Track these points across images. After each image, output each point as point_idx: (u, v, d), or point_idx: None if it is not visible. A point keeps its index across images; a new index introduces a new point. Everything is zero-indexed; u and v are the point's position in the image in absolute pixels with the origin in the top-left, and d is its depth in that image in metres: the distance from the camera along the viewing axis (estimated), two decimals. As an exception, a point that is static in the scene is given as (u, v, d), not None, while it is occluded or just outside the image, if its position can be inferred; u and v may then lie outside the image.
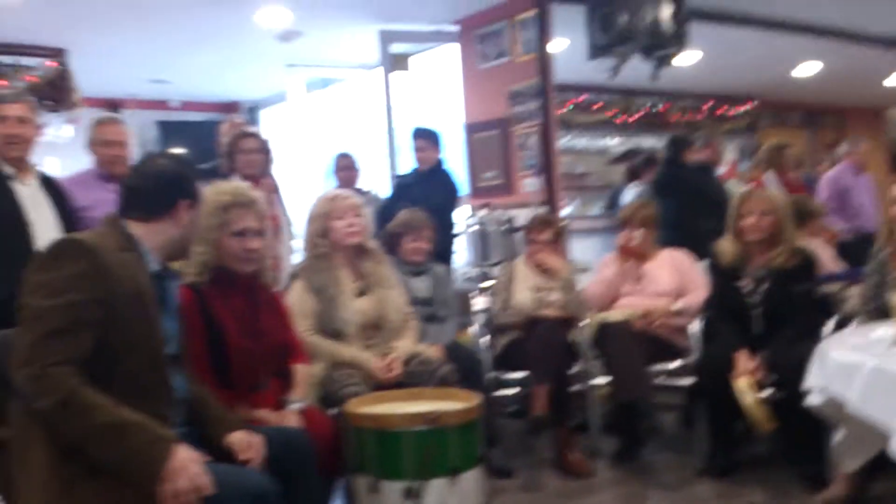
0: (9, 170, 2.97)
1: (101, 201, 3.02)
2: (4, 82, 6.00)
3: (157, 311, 1.91)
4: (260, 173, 3.94)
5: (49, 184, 3.14)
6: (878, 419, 2.33)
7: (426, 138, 4.77)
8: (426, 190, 4.58)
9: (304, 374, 2.66)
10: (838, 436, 2.74)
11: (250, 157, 3.88)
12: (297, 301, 2.98)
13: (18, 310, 1.75)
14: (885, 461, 2.43)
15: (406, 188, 4.78)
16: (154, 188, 1.96)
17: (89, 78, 6.54)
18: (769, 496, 3.15)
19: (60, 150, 6.10)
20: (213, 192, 2.38)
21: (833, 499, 2.89)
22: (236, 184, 2.53)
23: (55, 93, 6.33)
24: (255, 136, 4.02)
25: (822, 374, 2.62)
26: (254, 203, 2.44)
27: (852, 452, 2.73)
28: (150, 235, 1.94)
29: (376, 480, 2.35)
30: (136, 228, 1.93)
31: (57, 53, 6.35)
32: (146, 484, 1.70)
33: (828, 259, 4.04)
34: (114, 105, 8.19)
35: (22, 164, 3.04)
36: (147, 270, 1.91)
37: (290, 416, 2.42)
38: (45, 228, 2.96)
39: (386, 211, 4.61)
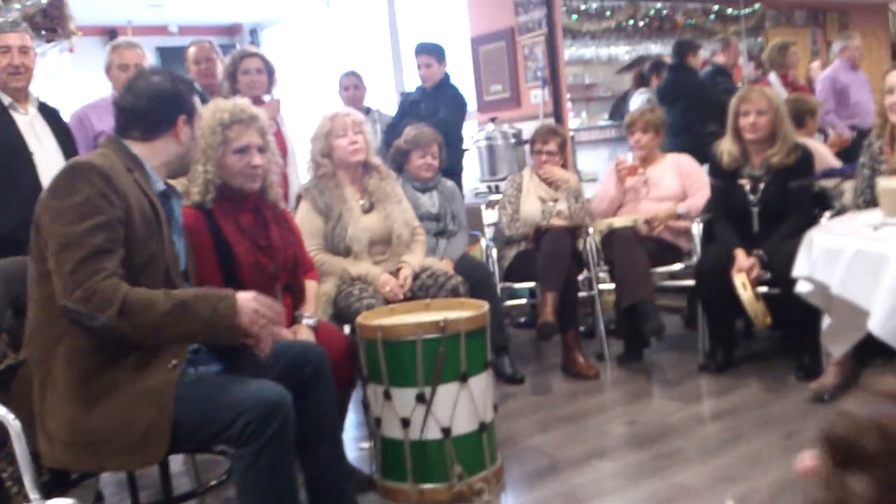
0: (7, 99, 2.96)
1: None
2: (-3, 11, 5.92)
3: (168, 229, 1.94)
4: (263, 94, 3.89)
5: (48, 113, 3.13)
6: (858, 300, 2.39)
7: (430, 53, 4.67)
8: (433, 106, 4.52)
9: (315, 290, 2.71)
10: (826, 322, 2.80)
11: (252, 78, 3.82)
12: (305, 221, 3.01)
13: (48, 237, 1.75)
14: (875, 346, 2.50)
15: (412, 105, 4.72)
16: (151, 106, 1.95)
17: (84, 5, 6.42)
18: (765, 387, 3.27)
19: (58, 80, 6.07)
20: (212, 109, 2.37)
21: (825, 387, 2.99)
22: (236, 100, 2.50)
23: (50, 22, 6.23)
24: (256, 55, 3.93)
25: (809, 261, 2.67)
26: (255, 119, 2.41)
27: (839, 338, 2.81)
28: (151, 154, 1.95)
29: (389, 388, 2.43)
30: (137, 148, 1.94)
31: (50, -20, 6.22)
32: (231, 337, 1.84)
33: (826, 155, 4.03)
34: (111, 32, 8.07)
35: (21, 94, 3.02)
36: (154, 190, 1.93)
37: (303, 331, 2.48)
38: (46, 157, 2.97)
39: (393, 129, 4.58)
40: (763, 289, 3.28)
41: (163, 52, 8.29)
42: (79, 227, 1.72)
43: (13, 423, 1.54)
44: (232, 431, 1.79)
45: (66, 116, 3.36)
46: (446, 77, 4.72)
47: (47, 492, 1.70)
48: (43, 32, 5.99)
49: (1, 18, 3.34)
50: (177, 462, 2.74)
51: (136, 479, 2.26)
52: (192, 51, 4.13)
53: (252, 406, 1.80)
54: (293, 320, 2.53)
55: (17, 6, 6.02)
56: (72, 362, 1.76)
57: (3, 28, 2.99)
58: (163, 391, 1.78)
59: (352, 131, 3.05)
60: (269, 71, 3.93)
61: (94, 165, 1.80)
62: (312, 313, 2.59)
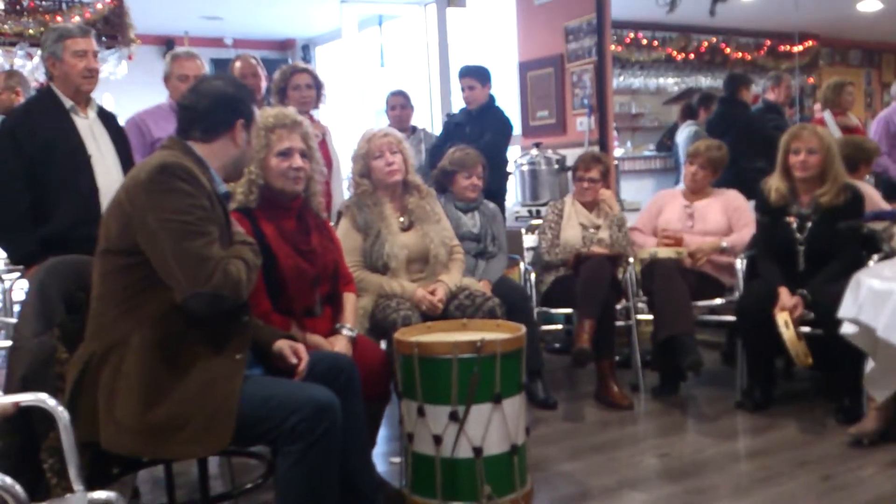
0: (69, 102, 3.06)
1: None
2: (60, 18, 6.11)
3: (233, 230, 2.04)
4: (312, 109, 3.96)
5: (106, 117, 3.22)
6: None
7: (474, 76, 4.71)
8: (478, 129, 4.54)
9: (354, 303, 2.74)
10: (869, 366, 2.75)
11: (302, 93, 3.90)
12: (344, 237, 3.04)
13: (157, 230, 1.81)
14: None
15: (457, 127, 4.76)
16: (212, 108, 2.02)
17: (144, 15, 6.61)
18: (803, 428, 3.22)
19: (115, 86, 6.24)
20: (258, 114, 2.45)
21: (865, 431, 2.93)
22: (281, 108, 2.58)
23: (110, 29, 6.42)
24: (306, 71, 4.01)
25: (855, 302, 2.64)
26: (298, 124, 2.50)
27: (883, 382, 2.77)
28: (211, 156, 2.02)
29: (423, 405, 2.44)
30: (199, 149, 2.01)
31: (113, -11, 6.42)
32: None
33: (876, 197, 3.96)
34: (168, 42, 8.29)
35: (83, 98, 3.12)
36: (217, 191, 2.00)
37: (341, 342, 2.51)
38: (104, 161, 3.06)
39: (437, 150, 4.62)
40: (806, 329, 3.23)
41: (217, 64, 8.47)
42: (192, 216, 1.82)
43: (62, 415, 1.58)
44: (283, 428, 1.85)
45: (122, 121, 3.45)
46: (491, 99, 4.75)
47: (88, 485, 1.73)
48: (103, 39, 6.19)
49: (71, 24, 3.43)
50: (212, 464, 2.78)
51: (173, 477, 2.29)
52: (237, 65, 4.21)
53: (304, 405, 1.87)
54: (332, 331, 2.56)
55: (81, 13, 6.24)
56: (145, 353, 1.82)
57: (76, 33, 3.07)
58: (229, 381, 1.85)
59: (389, 152, 3.08)
60: (318, 86, 4.00)
61: (184, 165, 1.88)
62: (352, 325, 2.62)
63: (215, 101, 2.03)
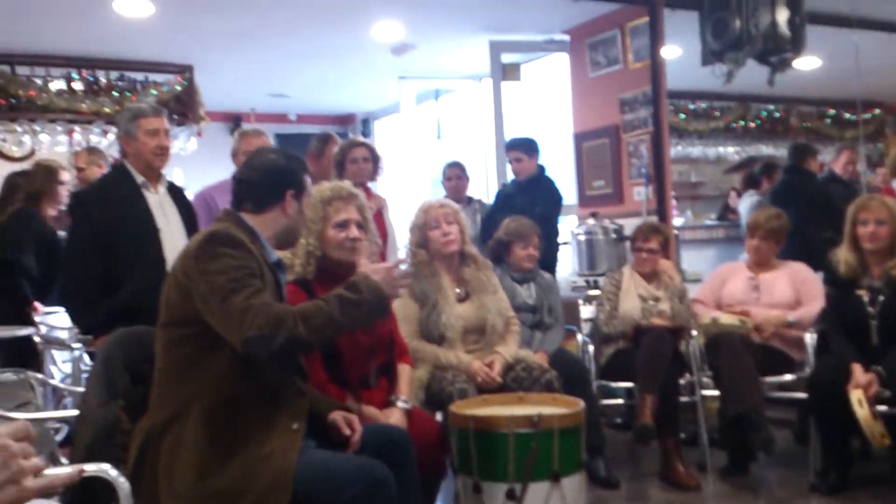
0: (140, 179, 3.18)
1: None
2: (134, 98, 6.43)
3: (285, 298, 2.07)
4: (368, 181, 4.05)
5: (175, 192, 3.34)
6: None
7: (521, 149, 4.77)
8: (528, 200, 4.57)
9: (409, 374, 2.73)
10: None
11: (359, 166, 3.99)
12: (401, 307, 3.05)
13: (207, 295, 1.87)
14: None
15: (507, 199, 4.79)
16: (263, 180, 2.09)
17: (212, 93, 6.91)
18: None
19: (185, 161, 6.49)
20: (317, 189, 2.54)
21: None
22: (338, 181, 2.66)
23: (181, 107, 6.73)
24: (364, 145, 4.12)
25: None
26: (354, 197, 2.57)
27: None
28: (262, 226, 2.08)
29: (479, 481, 2.39)
30: (250, 220, 2.07)
31: (184, 70, 6.75)
32: (386, 307, 2.15)
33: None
34: (235, 119, 8.62)
35: (155, 174, 3.24)
36: (269, 261, 2.04)
37: (396, 414, 2.49)
38: (172, 234, 3.16)
39: (488, 221, 4.65)
40: (882, 407, 3.07)
41: (281, 139, 8.76)
42: (237, 274, 1.87)
43: (123, 485, 1.60)
44: (336, 502, 1.83)
45: (189, 195, 3.57)
46: (541, 170, 4.79)
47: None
48: (174, 117, 6.48)
49: (144, 104, 3.60)
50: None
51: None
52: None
53: (358, 479, 1.85)
54: (387, 403, 2.55)
55: (154, 92, 6.57)
56: (204, 422, 1.85)
57: (150, 112, 3.21)
58: (287, 452, 1.85)
59: (445, 222, 3.12)
60: (375, 159, 4.10)
61: (230, 233, 1.95)
62: (407, 397, 2.60)
63: (266, 174, 2.10)
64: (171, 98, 6.64)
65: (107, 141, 6.38)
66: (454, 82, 7.90)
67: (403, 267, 2.22)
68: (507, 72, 6.40)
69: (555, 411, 2.45)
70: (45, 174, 4.54)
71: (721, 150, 7.87)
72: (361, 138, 4.40)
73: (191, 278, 1.90)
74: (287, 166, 2.13)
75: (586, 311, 4.21)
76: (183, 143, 6.73)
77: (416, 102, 8.09)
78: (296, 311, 1.88)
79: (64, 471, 0.96)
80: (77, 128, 6.40)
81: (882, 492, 3.28)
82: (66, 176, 4.64)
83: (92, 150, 5.37)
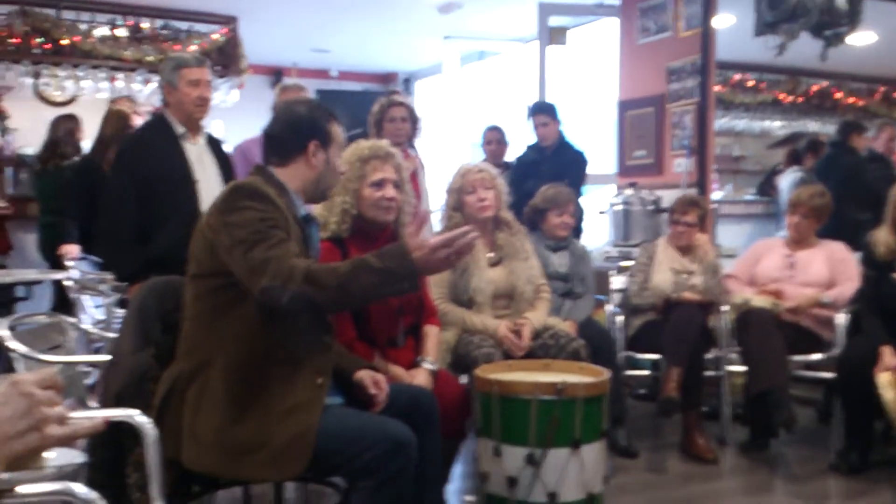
0: (180, 129, 3.21)
1: None
2: (178, 47, 6.47)
3: (310, 254, 2.06)
4: (406, 141, 4.03)
5: (214, 144, 3.36)
6: None
7: (548, 113, 4.73)
8: (555, 168, 4.52)
9: (437, 336, 2.75)
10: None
11: (397, 126, 3.98)
12: (432, 269, 3.07)
13: (230, 246, 1.87)
14: None
15: (532, 166, 4.74)
16: (286, 132, 2.08)
17: (255, 46, 6.92)
18: (903, 500, 3.00)
19: (226, 113, 6.54)
20: (353, 147, 2.54)
21: None
22: (375, 140, 2.65)
23: (224, 59, 6.75)
24: (403, 104, 4.08)
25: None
26: (391, 156, 2.55)
27: None
28: (289, 179, 2.07)
29: (500, 444, 2.41)
30: (278, 173, 2.07)
31: (228, 21, 6.76)
32: (413, 282, 1.91)
33: None
34: (277, 73, 8.64)
35: (195, 125, 3.27)
36: (297, 215, 2.05)
37: (422, 375, 2.52)
38: (209, 186, 3.19)
39: (516, 188, 4.59)
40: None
41: (323, 95, 8.77)
42: (260, 226, 1.87)
43: (150, 431, 1.64)
44: (358, 462, 1.85)
45: (229, 147, 3.60)
46: (562, 136, 4.74)
47: (169, 502, 1.79)
48: (217, 68, 6.51)
49: (187, 54, 3.62)
50: (289, 489, 2.83)
51: (251, 500, 2.35)
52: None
53: (380, 440, 1.86)
54: (414, 363, 2.58)
55: (197, 42, 6.60)
56: (229, 372, 1.87)
57: (192, 63, 3.23)
58: (310, 408, 1.87)
59: (481, 188, 3.10)
60: (413, 119, 4.07)
61: (256, 187, 1.95)
62: (434, 359, 2.63)
63: (288, 125, 2.09)
64: (214, 49, 6.67)
65: (148, 90, 6.44)
66: (499, 44, 7.81)
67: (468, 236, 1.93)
68: (554, 35, 6.30)
69: (579, 380, 2.46)
70: (117, 119, 4.61)
71: (767, 124, 7.69)
72: (399, 97, 4.35)
73: (215, 231, 1.91)
74: (309, 116, 2.10)
75: (618, 282, 4.20)
76: (224, 94, 6.76)
77: (461, 64, 8.02)
78: (307, 269, 1.83)
79: (89, 420, 0.99)
80: (119, 75, 6.47)
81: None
82: (139, 121, 4.70)
83: (127, 99, 5.43)
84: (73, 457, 1.95)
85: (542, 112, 4.74)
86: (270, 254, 1.83)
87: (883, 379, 2.97)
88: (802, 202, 3.78)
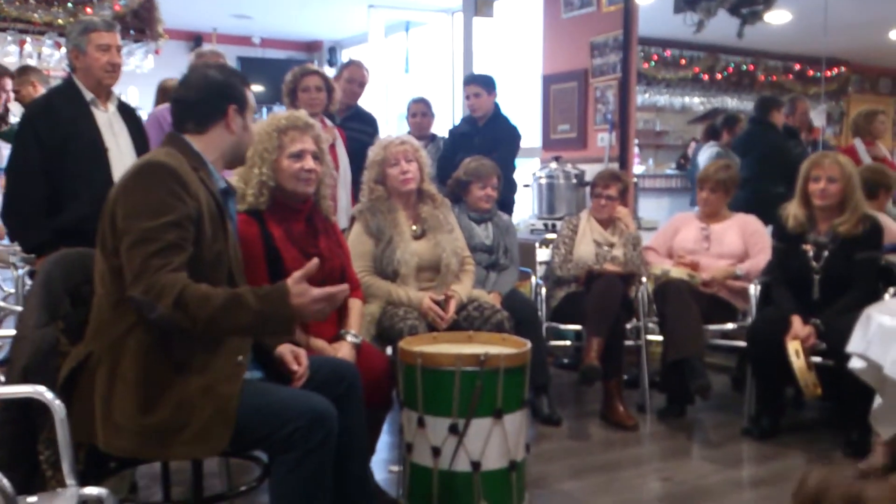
0: (89, 95, 3.07)
1: None
2: (90, 10, 6.17)
3: (230, 228, 2.00)
4: (322, 111, 3.94)
5: (126, 111, 3.23)
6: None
7: (481, 84, 4.65)
8: (488, 141, 4.49)
9: (360, 309, 2.73)
10: (877, 402, 2.71)
11: (312, 96, 3.87)
12: (356, 242, 3.04)
13: (122, 232, 1.79)
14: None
15: (463, 137, 4.69)
16: (202, 96, 1.99)
17: (173, 9, 6.66)
18: (809, 459, 3.18)
19: (141, 79, 6.29)
20: (270, 117, 2.47)
21: (872, 467, 2.87)
22: (293, 111, 2.58)
23: (139, 23, 6.48)
24: (317, 73, 3.98)
25: (864, 338, 2.60)
26: (311, 127, 2.50)
27: (889, 418, 2.72)
28: (207, 147, 1.99)
29: (423, 415, 2.42)
30: (195, 142, 1.98)
31: (144, -18, 6.47)
32: (287, 327, 1.85)
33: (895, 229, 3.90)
34: (196, 38, 8.36)
35: (104, 91, 3.13)
36: (216, 187, 1.98)
37: (345, 348, 2.50)
38: (121, 154, 3.07)
39: (444, 161, 4.57)
40: (817, 359, 3.19)
41: (244, 62, 8.53)
42: (153, 223, 1.77)
43: (59, 409, 1.58)
44: (278, 436, 1.83)
45: (144, 115, 3.47)
46: (497, 109, 4.70)
47: (83, 479, 1.73)
48: (131, 32, 6.24)
49: (96, 18, 3.46)
50: (210, 462, 2.78)
51: (170, 474, 2.30)
52: (345, 74, 4.23)
53: (300, 414, 1.85)
54: (337, 337, 2.56)
55: (110, 5, 6.30)
56: (141, 355, 1.80)
57: (101, 27, 3.08)
58: (230, 384, 1.83)
59: (404, 160, 3.07)
60: (329, 89, 3.97)
61: (165, 164, 1.85)
62: (357, 331, 2.61)
63: (204, 90, 2.00)
64: (129, 13, 6.38)
65: (59, 54, 6.15)
66: (425, 14, 7.74)
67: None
68: (480, 7, 6.27)
69: (501, 351, 2.48)
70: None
71: (687, 100, 7.87)
72: (313, 66, 4.23)
73: (115, 208, 1.83)
74: (226, 80, 2.03)
75: (542, 254, 4.25)
76: (139, 60, 6.50)
77: (385, 34, 7.92)
78: (180, 292, 1.73)
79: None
80: (28, 38, 6.14)
81: (809, 437, 3.43)
82: (9, 84, 4.48)
83: (23, 70, 5.17)
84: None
85: (475, 83, 4.67)
86: (152, 262, 1.74)
87: (792, 347, 3.09)
88: (709, 177, 3.89)
